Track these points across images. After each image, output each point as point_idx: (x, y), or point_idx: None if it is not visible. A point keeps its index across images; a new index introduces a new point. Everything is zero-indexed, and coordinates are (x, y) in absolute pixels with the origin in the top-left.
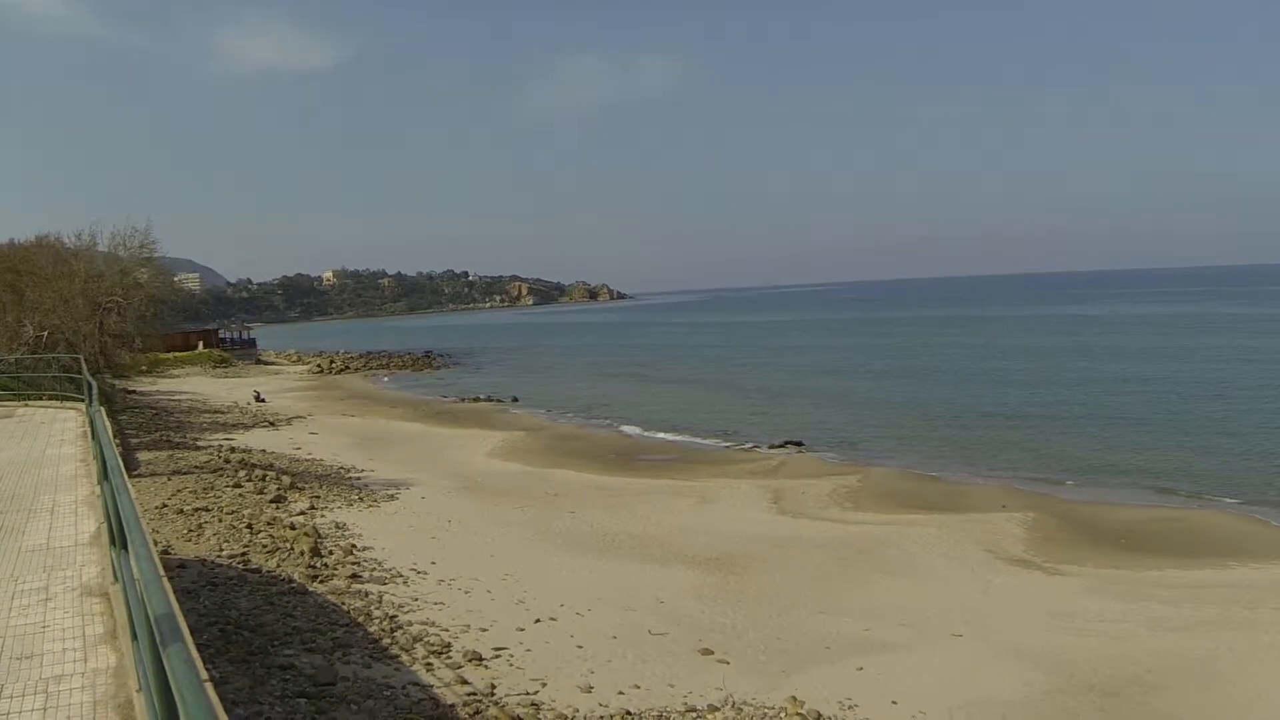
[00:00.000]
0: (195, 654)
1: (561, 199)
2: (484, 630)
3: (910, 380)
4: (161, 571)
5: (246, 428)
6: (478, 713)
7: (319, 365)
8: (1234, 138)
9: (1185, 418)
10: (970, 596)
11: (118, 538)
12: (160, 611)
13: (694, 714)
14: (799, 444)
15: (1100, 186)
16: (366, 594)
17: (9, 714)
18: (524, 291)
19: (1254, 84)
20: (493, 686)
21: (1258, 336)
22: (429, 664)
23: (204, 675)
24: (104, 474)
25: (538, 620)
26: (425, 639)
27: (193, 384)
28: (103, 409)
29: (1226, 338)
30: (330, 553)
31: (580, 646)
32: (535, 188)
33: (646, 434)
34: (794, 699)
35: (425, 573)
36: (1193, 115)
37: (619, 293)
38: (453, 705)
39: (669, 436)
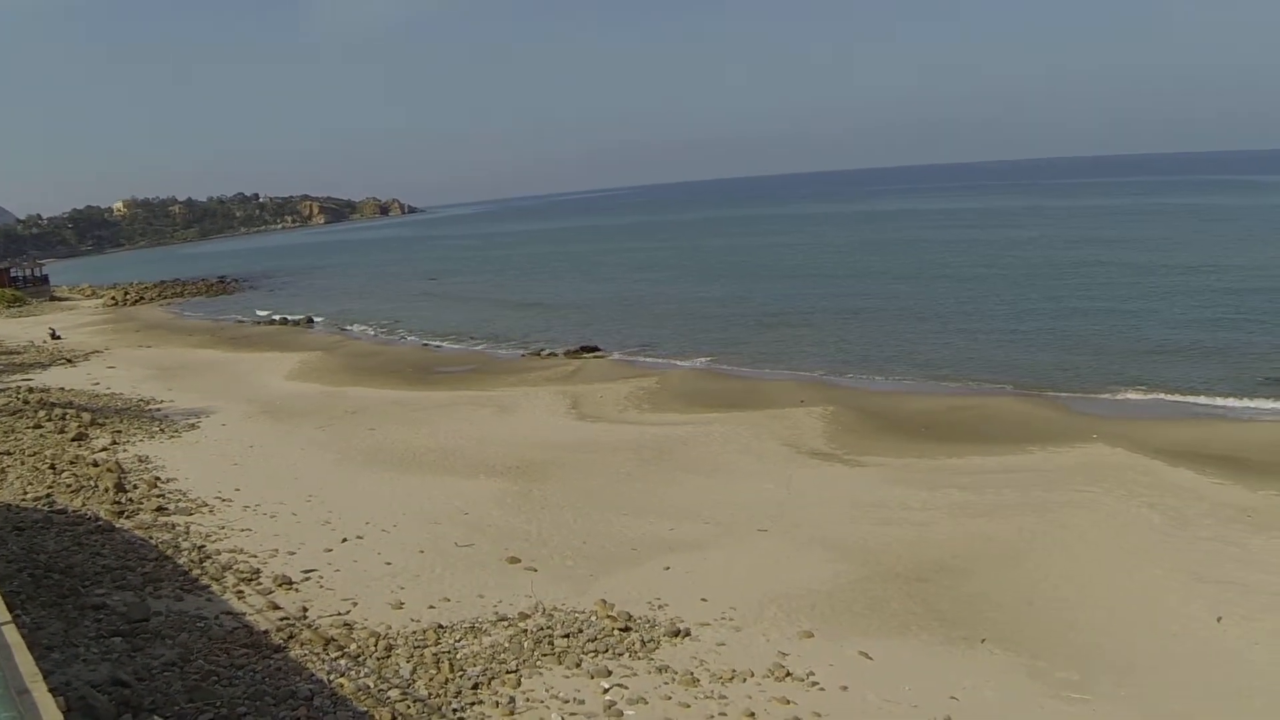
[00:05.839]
0: None
1: (350, 114)
2: (292, 554)
3: (703, 281)
4: None
5: (44, 366)
6: (291, 637)
7: (114, 298)
8: None
9: (979, 308)
10: (773, 491)
11: None
12: None
13: (505, 622)
14: (595, 349)
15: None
16: (174, 526)
17: None
18: (315, 211)
19: None
20: (304, 610)
21: (1066, 227)
22: (240, 592)
23: (6, 617)
24: None
25: (344, 540)
26: (235, 567)
27: None
28: None
29: (1030, 229)
30: (135, 487)
31: (389, 563)
32: (323, 104)
33: (443, 346)
34: (604, 602)
35: (230, 500)
36: None
37: (410, 207)
38: (266, 631)
39: (466, 347)
